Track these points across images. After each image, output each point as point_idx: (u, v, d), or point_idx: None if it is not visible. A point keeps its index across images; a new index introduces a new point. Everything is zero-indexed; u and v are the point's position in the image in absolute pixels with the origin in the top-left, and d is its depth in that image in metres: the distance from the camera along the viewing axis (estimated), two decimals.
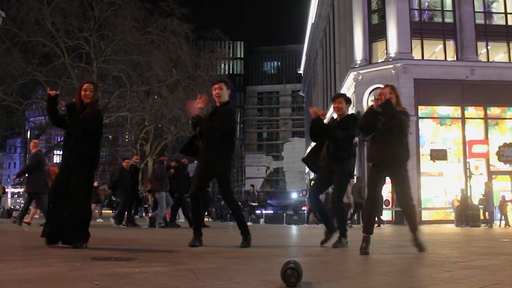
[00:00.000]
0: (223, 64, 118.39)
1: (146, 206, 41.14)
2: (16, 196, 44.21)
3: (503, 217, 30.80)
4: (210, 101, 9.25)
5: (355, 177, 30.43)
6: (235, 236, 9.81)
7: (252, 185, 38.27)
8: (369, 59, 39.47)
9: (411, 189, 8.05)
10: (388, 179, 7.93)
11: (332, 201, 9.67)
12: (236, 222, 9.02)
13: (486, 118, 36.88)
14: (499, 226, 29.76)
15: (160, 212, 19.05)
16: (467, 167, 35.00)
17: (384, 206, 29.16)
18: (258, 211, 25.34)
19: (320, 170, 9.36)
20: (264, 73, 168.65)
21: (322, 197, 17.63)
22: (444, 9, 39.32)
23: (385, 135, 7.79)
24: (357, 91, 38.62)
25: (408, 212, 8.00)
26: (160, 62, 48.81)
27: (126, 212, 19.86)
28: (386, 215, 28.88)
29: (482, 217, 30.27)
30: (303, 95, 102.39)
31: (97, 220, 27.60)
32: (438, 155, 35.57)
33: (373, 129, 7.91)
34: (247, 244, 8.49)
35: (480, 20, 38.88)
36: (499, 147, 36.18)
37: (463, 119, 36.72)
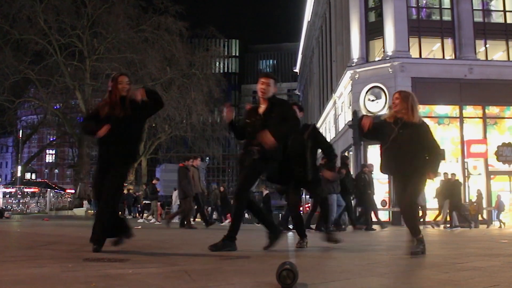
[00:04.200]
0: (218, 63, 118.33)
1: (139, 206, 41.13)
2: (8, 196, 44.18)
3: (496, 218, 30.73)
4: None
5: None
6: None
7: None
8: (366, 58, 39.47)
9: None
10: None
11: None
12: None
13: (484, 117, 36.90)
14: (499, 227, 29.62)
15: (330, 216, 18.44)
16: (465, 167, 35.01)
17: (381, 207, 29.06)
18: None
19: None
20: (259, 72, 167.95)
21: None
22: (442, 7, 39.34)
23: None
24: (354, 90, 38.63)
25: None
26: (154, 60, 48.86)
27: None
28: (384, 215, 28.81)
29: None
30: (299, 94, 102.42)
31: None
32: None
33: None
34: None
35: (478, 18, 38.89)
36: (498, 147, 36.17)
37: (461, 118, 36.75)
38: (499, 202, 31.12)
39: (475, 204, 30.55)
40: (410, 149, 7.48)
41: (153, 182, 29.92)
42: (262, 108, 8.25)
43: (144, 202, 35.67)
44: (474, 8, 38.55)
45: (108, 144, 7.32)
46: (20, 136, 67.30)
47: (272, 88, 8.32)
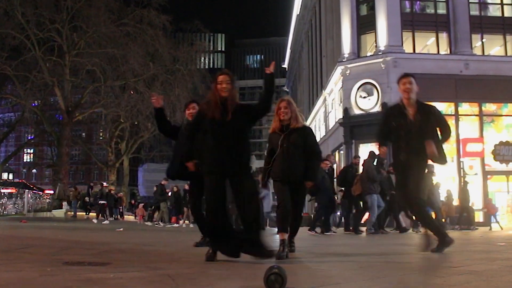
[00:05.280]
0: (203, 58, 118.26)
1: (121, 207, 41.07)
2: None
3: (493, 220, 30.63)
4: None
5: None
6: None
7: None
8: (357, 53, 39.43)
9: None
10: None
11: None
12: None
13: (481, 115, 36.92)
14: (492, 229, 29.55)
15: (372, 217, 18.53)
16: (461, 166, 35.05)
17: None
18: None
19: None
20: (246, 67, 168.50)
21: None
22: None
23: None
24: (345, 86, 38.62)
25: None
26: (136, 55, 48.71)
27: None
28: None
29: None
30: (287, 90, 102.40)
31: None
32: None
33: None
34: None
35: (474, 11, 38.92)
36: (495, 145, 36.14)
37: (457, 116, 36.70)
38: (490, 204, 31.11)
39: (441, 206, 30.38)
40: (296, 153, 7.83)
41: (162, 183, 29.06)
42: (410, 111, 8.49)
43: (100, 202, 35.48)
44: (470, 1, 38.55)
45: (215, 151, 7.02)
46: None
47: (415, 87, 8.67)
